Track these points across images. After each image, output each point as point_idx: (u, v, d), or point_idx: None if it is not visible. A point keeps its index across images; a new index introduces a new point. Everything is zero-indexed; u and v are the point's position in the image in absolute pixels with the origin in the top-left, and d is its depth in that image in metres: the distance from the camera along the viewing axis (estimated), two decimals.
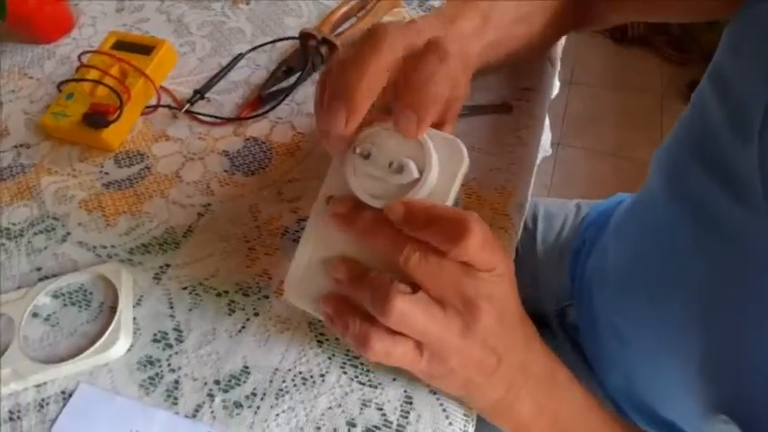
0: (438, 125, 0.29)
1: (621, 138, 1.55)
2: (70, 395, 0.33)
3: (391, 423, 0.30)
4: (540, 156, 0.58)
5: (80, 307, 0.36)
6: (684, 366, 0.35)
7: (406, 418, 0.30)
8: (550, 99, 0.52)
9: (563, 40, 0.52)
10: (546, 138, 0.62)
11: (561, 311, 0.57)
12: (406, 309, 0.24)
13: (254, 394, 0.31)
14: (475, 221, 0.24)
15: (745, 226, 0.28)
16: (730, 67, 0.31)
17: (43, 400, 0.33)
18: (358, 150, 0.27)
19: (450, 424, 0.30)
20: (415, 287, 0.25)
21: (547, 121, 0.59)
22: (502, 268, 0.26)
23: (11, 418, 0.32)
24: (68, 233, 0.40)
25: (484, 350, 0.26)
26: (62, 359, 0.33)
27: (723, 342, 0.31)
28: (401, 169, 0.26)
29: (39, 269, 0.38)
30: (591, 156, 1.53)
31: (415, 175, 0.26)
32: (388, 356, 0.25)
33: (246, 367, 0.32)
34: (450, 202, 0.27)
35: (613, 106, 1.63)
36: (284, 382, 0.32)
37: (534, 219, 0.62)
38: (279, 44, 0.51)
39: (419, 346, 0.26)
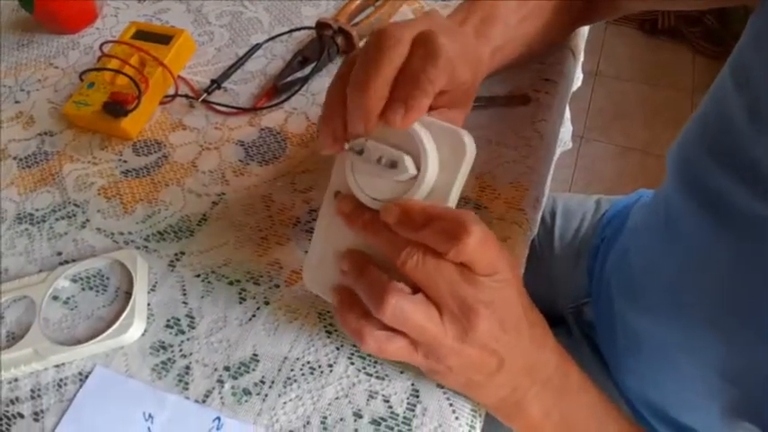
0: (443, 116, 0.28)
1: (649, 134, 1.50)
2: (87, 376, 0.34)
3: (397, 415, 0.30)
4: (560, 150, 0.57)
5: (97, 291, 0.37)
6: (705, 370, 0.34)
7: (413, 410, 0.30)
8: (571, 91, 0.51)
9: (585, 30, 0.51)
10: (566, 131, 0.61)
11: (578, 309, 0.56)
12: (401, 306, 0.24)
13: (262, 382, 0.32)
14: (473, 221, 0.23)
15: (764, 220, 0.27)
16: (752, 55, 0.29)
17: (62, 380, 0.34)
18: (348, 146, 0.26)
19: (457, 418, 0.30)
20: (416, 288, 0.25)
21: (567, 114, 0.58)
22: (505, 273, 0.25)
23: (32, 396, 0.34)
24: (88, 220, 0.41)
25: (483, 353, 0.25)
26: (79, 341, 0.34)
27: (746, 344, 0.30)
28: (394, 165, 0.25)
29: (59, 254, 0.39)
30: (616, 151, 1.49)
31: (412, 171, 0.25)
32: (381, 352, 0.25)
33: (256, 355, 0.33)
34: (452, 198, 0.26)
35: (641, 101, 1.58)
36: (292, 370, 0.32)
37: (552, 214, 0.61)
38: (295, 34, 0.51)
39: (414, 344, 0.25)
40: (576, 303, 0.56)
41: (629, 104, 1.58)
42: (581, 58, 0.52)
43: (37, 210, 0.42)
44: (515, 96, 0.43)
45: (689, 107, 1.55)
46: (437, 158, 0.26)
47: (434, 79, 0.25)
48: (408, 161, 0.25)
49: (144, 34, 0.49)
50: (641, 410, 0.45)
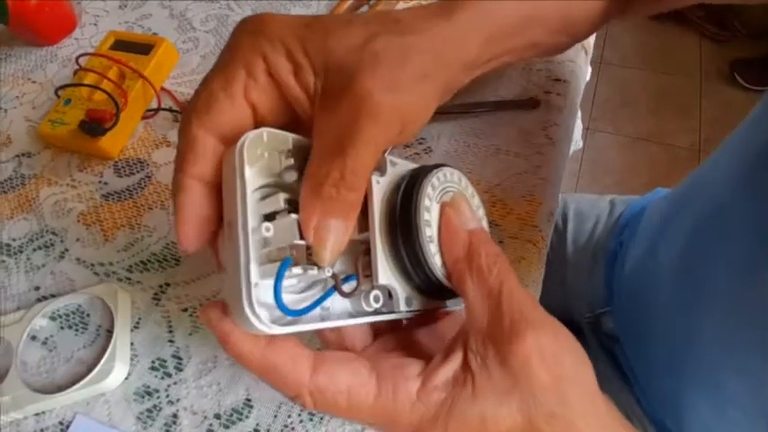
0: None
1: (656, 123, 1.46)
2: (68, 426, 0.31)
3: None
4: (572, 150, 0.54)
5: (77, 330, 0.34)
6: (749, 384, 0.31)
7: None
8: (582, 89, 0.47)
9: None
10: (577, 130, 0.57)
11: (595, 319, 0.52)
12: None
13: (257, 431, 0.29)
14: None
15: None
16: None
17: (42, 430, 0.31)
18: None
19: None
20: None
21: (578, 112, 0.54)
22: None
23: None
24: (66, 249, 0.38)
25: None
26: (59, 387, 0.32)
27: None
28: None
29: (37, 288, 0.36)
30: (623, 142, 1.45)
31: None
32: None
33: (249, 400, 0.30)
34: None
35: (647, 88, 1.53)
36: (290, 417, 0.29)
37: (564, 218, 0.58)
38: None
39: None
40: (594, 313, 0.52)
41: (634, 92, 1.54)
42: (591, 52, 0.48)
43: (14, 239, 0.39)
44: (524, 100, 0.40)
45: (696, 93, 1.50)
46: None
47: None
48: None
49: (123, 44, 0.46)
50: (669, 425, 0.42)
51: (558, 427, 0.19)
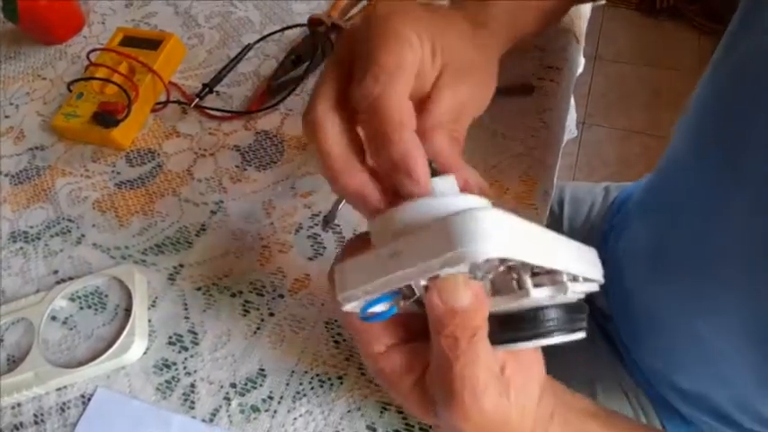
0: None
1: (651, 116, 1.48)
2: (89, 399, 0.32)
3: (413, 427, 0.29)
4: (566, 138, 0.55)
5: (96, 310, 0.36)
6: (731, 338, 0.32)
7: None
8: (575, 78, 0.49)
9: (587, 13, 0.49)
10: (571, 118, 0.59)
11: (589, 299, 0.54)
12: None
13: (270, 398, 0.30)
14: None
15: None
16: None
17: (64, 403, 0.33)
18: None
19: None
20: None
21: (572, 101, 0.56)
22: None
23: (35, 422, 0.33)
24: (83, 235, 0.40)
25: None
26: (80, 363, 0.33)
27: None
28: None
29: (56, 272, 0.38)
30: (618, 135, 1.46)
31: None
32: None
33: (262, 370, 0.31)
34: None
35: (643, 83, 1.55)
36: (301, 384, 0.31)
37: (560, 203, 0.60)
38: (287, 32, 0.49)
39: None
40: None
41: (630, 87, 1.55)
42: (583, 41, 0.50)
43: (31, 227, 0.41)
44: (519, 86, 0.41)
45: (692, 87, 1.52)
46: None
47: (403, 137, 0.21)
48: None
49: (132, 40, 0.48)
50: (663, 392, 0.44)
51: None
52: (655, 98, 1.52)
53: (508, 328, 0.21)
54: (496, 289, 0.21)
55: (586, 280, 0.21)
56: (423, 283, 0.20)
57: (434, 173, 0.21)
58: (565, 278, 0.20)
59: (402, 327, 0.23)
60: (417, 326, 0.23)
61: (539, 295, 0.19)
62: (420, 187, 0.20)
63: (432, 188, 0.21)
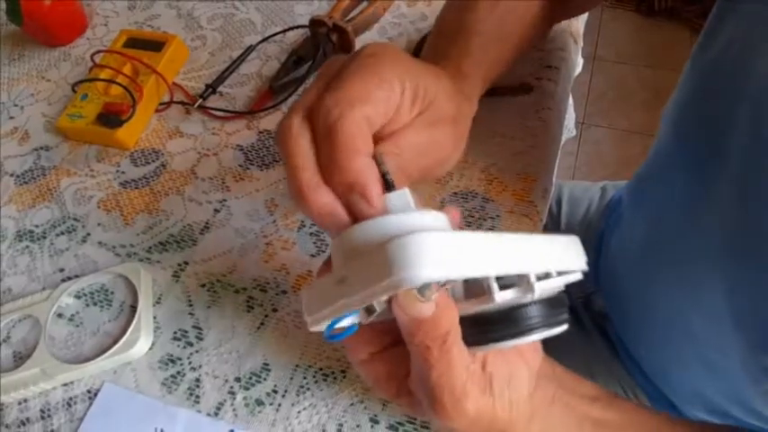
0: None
1: (650, 117, 1.48)
2: (96, 394, 0.33)
3: (415, 419, 0.29)
4: (565, 137, 0.56)
5: (102, 307, 0.36)
6: (718, 324, 0.33)
7: None
8: (573, 77, 0.49)
9: (584, 14, 0.49)
10: (570, 118, 0.60)
11: (587, 299, 0.55)
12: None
13: (275, 391, 0.31)
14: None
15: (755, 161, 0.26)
16: None
17: (71, 399, 0.33)
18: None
19: None
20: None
21: (570, 101, 0.57)
22: None
23: (42, 417, 0.33)
24: (88, 234, 0.40)
25: None
26: (87, 359, 0.34)
27: (749, 285, 0.29)
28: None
29: (61, 270, 0.39)
30: (617, 136, 1.47)
31: None
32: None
33: (267, 364, 0.32)
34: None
35: (641, 83, 1.56)
36: (305, 378, 0.31)
37: (558, 202, 0.60)
38: (289, 33, 0.50)
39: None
40: (586, 293, 0.55)
41: (629, 87, 1.56)
42: (581, 42, 0.51)
43: (36, 226, 0.42)
44: (517, 85, 0.42)
45: None
46: None
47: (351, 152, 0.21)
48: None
49: (135, 42, 0.48)
50: (665, 391, 0.45)
51: None
52: (653, 98, 1.53)
53: (486, 329, 0.21)
54: (470, 292, 0.21)
55: (561, 273, 0.21)
56: (383, 298, 0.19)
57: (389, 186, 0.21)
58: (532, 278, 0.20)
59: (386, 333, 0.24)
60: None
61: (504, 298, 0.20)
62: (372, 209, 0.21)
63: (385, 204, 0.21)
